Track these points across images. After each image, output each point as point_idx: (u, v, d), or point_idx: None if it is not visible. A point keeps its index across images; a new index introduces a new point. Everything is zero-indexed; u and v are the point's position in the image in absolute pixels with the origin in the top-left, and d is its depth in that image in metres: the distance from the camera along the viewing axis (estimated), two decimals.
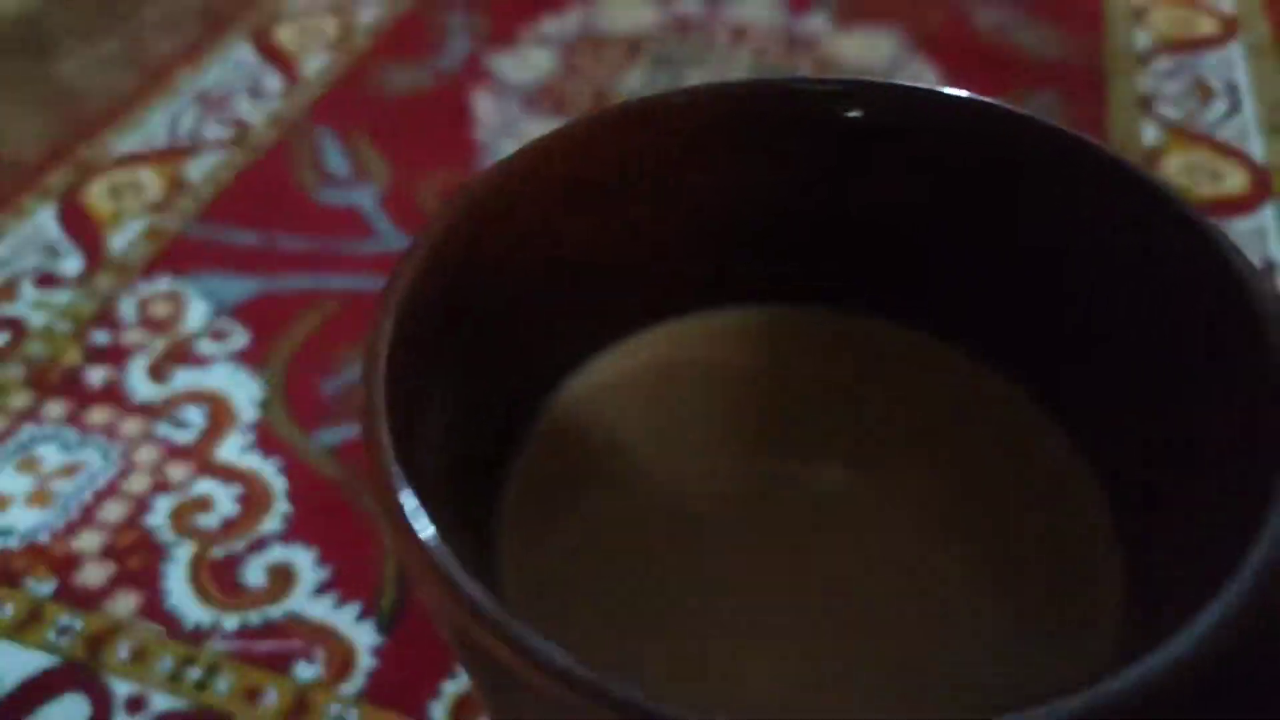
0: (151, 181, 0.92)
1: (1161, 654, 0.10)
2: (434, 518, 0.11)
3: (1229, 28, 1.17)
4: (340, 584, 0.64)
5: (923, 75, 1.09)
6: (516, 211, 0.15)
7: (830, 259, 0.18)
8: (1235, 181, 0.96)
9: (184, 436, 0.72)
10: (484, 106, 1.03)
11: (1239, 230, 0.89)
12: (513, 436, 0.17)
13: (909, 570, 0.17)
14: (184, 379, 0.75)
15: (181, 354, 0.77)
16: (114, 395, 0.75)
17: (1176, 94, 1.07)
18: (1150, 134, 1.04)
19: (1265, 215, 0.90)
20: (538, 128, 0.98)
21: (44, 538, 0.69)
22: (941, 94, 0.16)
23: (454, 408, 0.14)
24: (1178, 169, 0.97)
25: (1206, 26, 1.18)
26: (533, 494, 0.17)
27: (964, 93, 0.15)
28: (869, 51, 1.14)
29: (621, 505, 0.17)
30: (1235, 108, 1.04)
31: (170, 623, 0.62)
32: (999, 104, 0.15)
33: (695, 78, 1.06)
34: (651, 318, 0.19)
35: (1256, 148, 1.00)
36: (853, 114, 0.16)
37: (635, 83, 1.05)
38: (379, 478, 0.11)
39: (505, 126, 1.00)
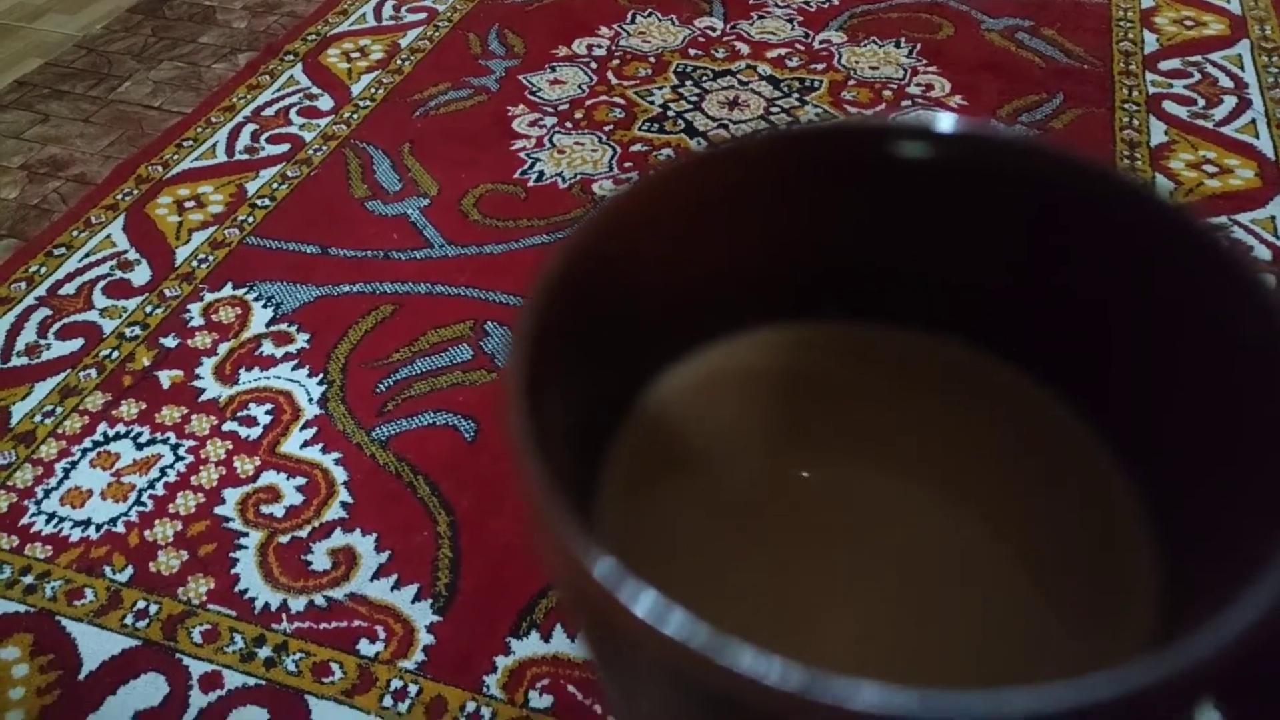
0: (213, 195, 0.98)
1: (1209, 630, 0.11)
2: (559, 485, 0.13)
3: (1237, 27, 1.19)
4: (399, 567, 0.68)
5: (935, 85, 1.12)
6: (628, 236, 0.18)
7: (902, 283, 0.20)
8: (1244, 176, 0.99)
9: (250, 432, 0.76)
10: (522, 122, 1.07)
11: (1248, 222, 0.90)
12: (610, 422, 0.19)
13: (957, 557, 0.18)
14: (249, 379, 0.79)
15: (246, 356, 0.81)
16: (183, 395, 0.79)
17: (1184, 93, 1.09)
18: (1159, 132, 1.07)
19: (1274, 207, 0.92)
20: (573, 141, 1.02)
21: (121, 528, 0.73)
22: (1002, 136, 0.17)
23: (569, 393, 0.17)
24: (1186, 165, 0.99)
25: (1214, 27, 1.20)
26: (625, 471, 0.19)
27: (1026, 134, 0.17)
28: (883, 63, 1.17)
29: (701, 487, 0.19)
30: (1244, 104, 1.06)
31: (241, 605, 0.66)
32: (1061, 149, 0.17)
33: (718, 90, 1.10)
34: (736, 327, 0.21)
35: (1265, 143, 1.03)
36: (917, 154, 0.18)
37: (662, 97, 1.09)
38: (516, 449, 0.13)
39: (542, 140, 1.04)
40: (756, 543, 0.19)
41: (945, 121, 0.18)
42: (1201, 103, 1.04)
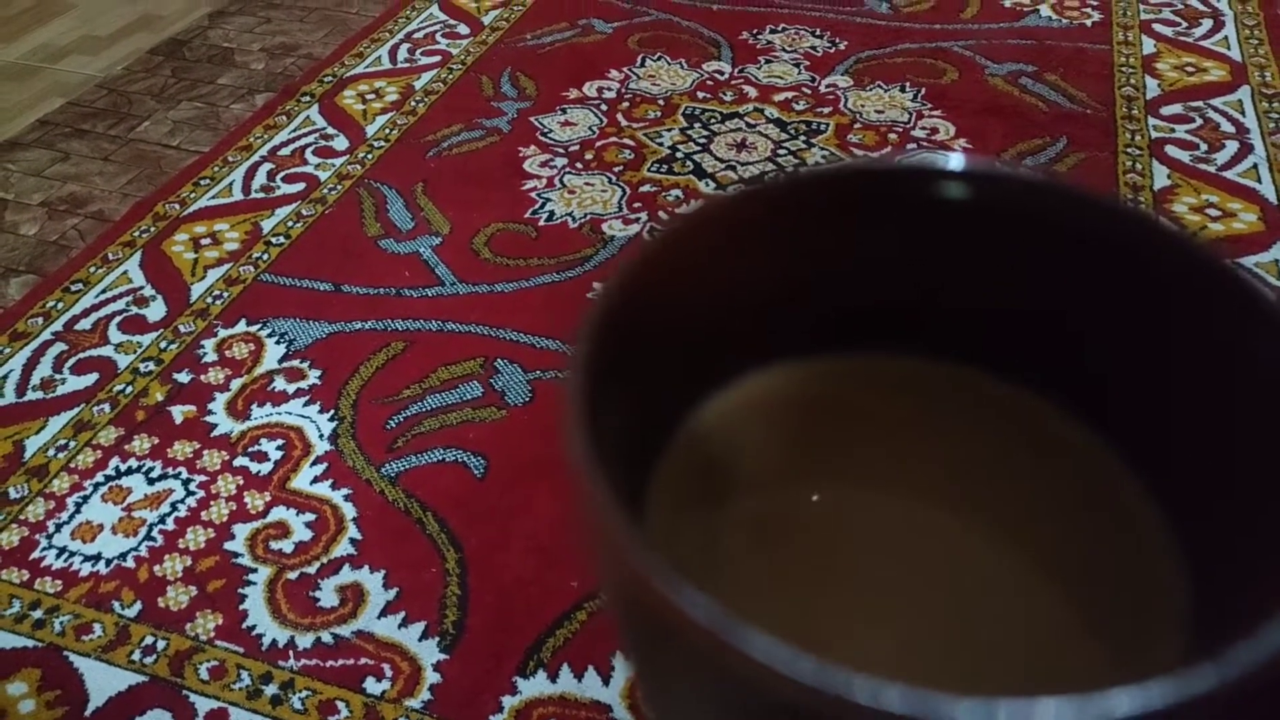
0: (228, 233, 0.99)
1: (1241, 650, 0.11)
2: (619, 500, 0.13)
3: (1237, 73, 1.21)
4: (406, 604, 0.68)
5: (939, 128, 1.14)
6: (668, 275, 0.18)
7: (924, 315, 0.20)
8: (1247, 220, 0.99)
9: (261, 467, 0.76)
10: (533, 162, 1.09)
11: (1252, 265, 0.90)
12: (656, 446, 0.20)
13: (987, 576, 0.18)
14: (261, 414, 0.80)
15: (258, 391, 0.82)
16: (196, 430, 0.80)
17: (1186, 138, 1.11)
18: (1162, 176, 1.08)
19: (1277, 250, 0.92)
20: (583, 181, 1.04)
21: (130, 563, 0.73)
22: (1032, 178, 0.18)
23: (619, 420, 0.17)
24: (1189, 209, 1.00)
25: (1215, 73, 1.22)
26: (670, 491, 0.19)
27: (1045, 177, 0.17)
28: (888, 107, 1.19)
29: (740, 506, 0.20)
30: (1245, 149, 1.07)
31: (248, 641, 0.66)
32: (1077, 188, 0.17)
33: (726, 133, 1.11)
34: (767, 360, 0.21)
35: (1267, 188, 1.03)
36: (939, 193, 0.18)
37: (671, 139, 1.11)
38: (575, 460, 0.14)
39: (553, 181, 1.06)
40: (794, 561, 0.19)
41: (963, 161, 0.18)
42: (1204, 147, 1.05)
